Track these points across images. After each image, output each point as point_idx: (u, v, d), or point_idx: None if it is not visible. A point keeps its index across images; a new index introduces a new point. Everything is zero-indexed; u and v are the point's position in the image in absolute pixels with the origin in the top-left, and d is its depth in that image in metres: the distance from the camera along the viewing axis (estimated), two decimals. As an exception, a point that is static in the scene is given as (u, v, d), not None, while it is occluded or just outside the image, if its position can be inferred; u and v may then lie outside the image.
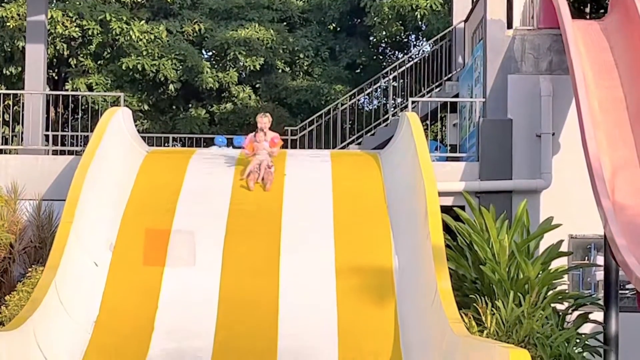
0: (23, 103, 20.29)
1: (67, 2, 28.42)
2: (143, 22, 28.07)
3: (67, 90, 26.92)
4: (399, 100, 21.85)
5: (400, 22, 27.48)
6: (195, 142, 23.87)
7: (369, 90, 22.39)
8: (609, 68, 15.93)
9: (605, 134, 14.56)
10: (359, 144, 21.14)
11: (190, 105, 29.34)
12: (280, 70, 29.29)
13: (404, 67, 22.00)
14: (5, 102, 21.36)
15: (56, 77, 28.85)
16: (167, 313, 12.77)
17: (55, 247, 12.88)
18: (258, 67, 28.20)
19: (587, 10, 19.51)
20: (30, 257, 16.06)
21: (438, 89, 21.26)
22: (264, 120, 14.50)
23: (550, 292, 14.23)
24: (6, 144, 21.64)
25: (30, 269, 14.71)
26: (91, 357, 11.86)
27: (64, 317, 12.03)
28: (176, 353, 12.13)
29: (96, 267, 13.39)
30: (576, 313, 14.66)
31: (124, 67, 27.51)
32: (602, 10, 19.64)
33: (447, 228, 14.39)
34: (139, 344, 12.12)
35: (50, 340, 11.36)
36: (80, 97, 23.80)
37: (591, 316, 14.73)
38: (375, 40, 30.14)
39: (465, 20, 20.87)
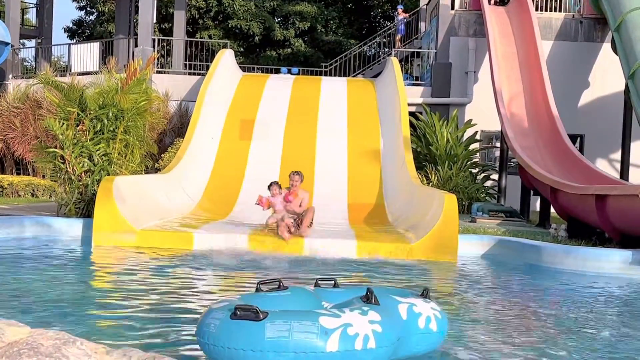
0: (172, 45, 24.12)
1: None
2: None
3: (197, 38, 30.46)
4: (386, 49, 24.43)
5: (389, 3, 32.32)
6: (269, 70, 26.07)
7: (369, 43, 25.10)
8: (508, 34, 18.73)
9: (505, 73, 17.33)
10: (363, 74, 23.62)
11: (266, 49, 34.50)
12: (318, 30, 34.35)
13: (390, 31, 24.86)
14: (161, 45, 24.04)
15: (191, 30, 32.93)
16: (252, 167, 15.48)
17: (189, 127, 15.78)
18: (306, 28, 33.95)
19: (498, 0, 21.62)
20: (175, 132, 19.01)
21: (410, 43, 24.04)
22: (296, 178, 10.74)
23: (469, 162, 17.32)
24: (162, 67, 23.42)
25: (175, 140, 17.98)
26: (208, 190, 14.52)
27: (194, 168, 14.74)
28: (257, 189, 12.61)
29: (212, 140, 16.11)
30: (483, 174, 18.00)
31: (229, 26, 33.16)
32: (506, 0, 21.56)
33: (411, 125, 16.85)
34: (236, 184, 14.82)
35: (187, 180, 14.10)
36: (204, 42, 25.41)
37: (492, 177, 18.25)
38: (373, 14, 35.21)
39: (427, 4, 23.62)
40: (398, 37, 24.27)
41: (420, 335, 4.20)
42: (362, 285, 6.58)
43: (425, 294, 4.46)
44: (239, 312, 3.65)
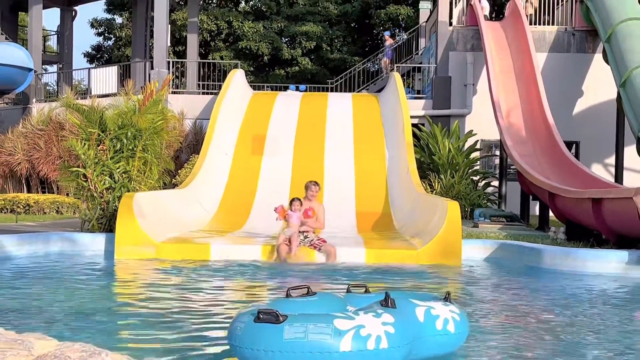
0: (186, 66, 24.31)
1: (208, 10, 33.79)
2: (250, 22, 33.78)
3: (209, 59, 30.69)
4: (389, 65, 24.03)
5: (391, 22, 32.26)
6: (278, 88, 26.26)
7: (373, 60, 25.01)
8: (504, 48, 18.78)
9: (502, 85, 17.34)
10: (367, 89, 23.71)
11: (275, 68, 34.64)
12: (324, 49, 34.40)
13: (392, 47, 24.71)
14: (176, 67, 24.40)
15: (203, 52, 33.13)
16: (264, 181, 15.47)
17: (204, 144, 15.83)
18: (312, 47, 33.95)
19: (494, 15, 21.76)
20: (190, 149, 19.02)
21: (411, 59, 24.11)
22: (315, 189, 10.47)
23: (470, 170, 17.24)
24: (177, 88, 23.83)
25: (191, 156, 18.04)
26: (223, 203, 14.53)
27: (209, 182, 14.75)
28: (270, 200, 13.00)
29: (226, 155, 16.16)
30: (484, 182, 17.92)
31: (239, 47, 33.39)
32: (501, 15, 21.58)
33: (414, 136, 16.95)
34: (249, 197, 14.84)
35: (202, 195, 14.14)
36: (216, 63, 25.56)
37: (492, 184, 18.18)
38: (376, 32, 35.03)
39: (426, 21, 23.78)
40: (387, 61, 24.28)
41: (437, 336, 4.27)
42: (394, 290, 6.55)
43: (446, 298, 4.52)
44: (261, 316, 3.82)
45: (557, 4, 21.22)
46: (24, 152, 19.99)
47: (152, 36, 24.71)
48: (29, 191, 20.60)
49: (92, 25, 39.59)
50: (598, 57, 19.60)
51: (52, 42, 38.08)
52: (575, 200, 11.71)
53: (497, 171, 18.54)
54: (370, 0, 34.64)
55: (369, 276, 8.76)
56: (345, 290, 4.84)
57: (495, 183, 18.19)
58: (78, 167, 11.86)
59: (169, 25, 23.12)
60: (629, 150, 17.73)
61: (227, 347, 4.55)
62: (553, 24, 21.04)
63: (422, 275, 8.97)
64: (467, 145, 18.04)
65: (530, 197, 15.33)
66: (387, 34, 25.99)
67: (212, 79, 23.92)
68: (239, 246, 10.36)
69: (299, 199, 10.29)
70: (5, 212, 17.20)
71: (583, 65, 20.37)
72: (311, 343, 3.70)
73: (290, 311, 3.93)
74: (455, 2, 20.99)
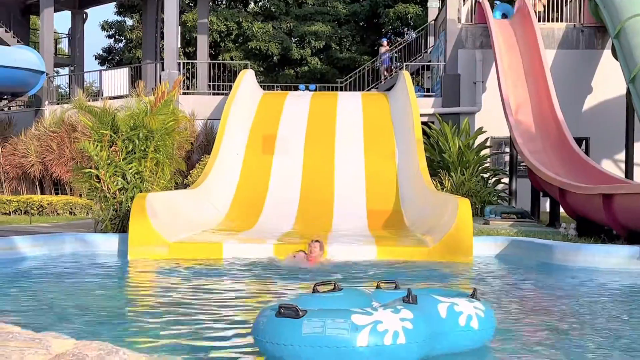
0: (196, 67, 24.17)
1: (217, 12, 33.71)
2: (259, 22, 33.77)
3: (219, 60, 30.54)
4: (398, 63, 23.97)
5: (399, 20, 32.14)
6: (288, 88, 26.43)
7: (382, 59, 24.64)
8: (513, 45, 18.61)
9: (511, 82, 17.19)
10: (377, 88, 23.49)
11: (285, 68, 34.54)
12: (333, 48, 34.24)
13: (401, 46, 24.76)
14: (186, 68, 24.36)
15: (213, 53, 32.99)
16: (275, 180, 15.49)
17: (215, 144, 15.87)
18: (321, 46, 33.75)
19: None
20: (201, 149, 18.95)
21: (420, 57, 23.86)
22: (313, 245, 9.45)
23: (480, 168, 17.17)
24: (188, 89, 23.77)
25: (202, 157, 17.91)
26: (235, 203, 14.53)
27: (221, 182, 14.75)
28: (281, 199, 14.54)
29: (237, 155, 16.14)
30: (494, 179, 17.76)
31: (249, 47, 33.24)
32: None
33: (424, 133, 16.93)
34: (261, 196, 14.83)
35: (214, 194, 14.15)
36: (226, 63, 25.31)
37: (502, 180, 18.07)
38: (384, 31, 34.76)
39: (435, 20, 23.57)
40: (383, 67, 24.23)
41: (460, 332, 4.29)
42: (428, 287, 6.56)
43: (473, 294, 4.55)
44: (282, 311, 3.91)
45: (566, 0, 21.07)
46: (37, 154, 20.08)
47: (162, 38, 24.79)
48: (42, 193, 20.68)
49: (103, 28, 39.68)
50: (607, 53, 19.51)
51: (64, 45, 38.19)
52: (585, 196, 11.66)
53: (507, 168, 18.50)
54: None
55: (378, 274, 8.71)
56: (375, 287, 4.89)
57: (506, 180, 18.12)
58: (91, 168, 11.90)
59: (179, 27, 23.09)
60: (639, 146, 17.55)
61: (242, 345, 4.58)
62: (562, 20, 20.85)
63: (433, 273, 8.94)
64: (477, 142, 17.97)
65: (541, 194, 15.26)
66: (384, 40, 26.09)
67: (222, 80, 23.90)
68: (251, 245, 10.35)
69: (319, 241, 9.75)
70: (19, 214, 17.34)
71: (592, 62, 20.25)
72: (328, 338, 3.76)
73: (316, 306, 4.00)
74: (464, 0, 20.84)
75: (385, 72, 24.07)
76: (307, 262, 9.33)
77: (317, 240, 9.73)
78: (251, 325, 4.96)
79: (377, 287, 4.86)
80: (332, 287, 4.47)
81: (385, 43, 25.34)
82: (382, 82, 23.37)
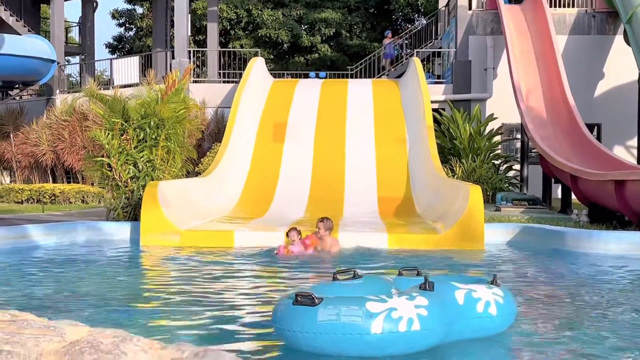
0: (206, 55, 24.33)
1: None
2: (269, 9, 33.89)
3: (229, 47, 30.98)
4: (409, 50, 24.39)
5: (410, 7, 32.30)
6: (298, 75, 26.46)
7: (393, 45, 24.90)
8: (524, 31, 18.57)
9: (523, 68, 17.15)
10: (387, 75, 23.61)
11: (295, 55, 34.68)
12: (343, 35, 34.33)
13: (411, 32, 24.92)
14: (196, 56, 24.47)
15: (223, 41, 33.34)
16: (286, 168, 15.56)
17: (226, 132, 15.91)
18: (332, 33, 33.87)
19: None
20: (212, 138, 19.14)
21: (430, 44, 23.96)
22: (319, 226, 9.07)
23: (491, 154, 17.19)
24: (198, 77, 24.01)
25: (213, 145, 18.12)
26: (246, 191, 14.60)
27: (232, 170, 14.83)
28: (292, 187, 14.64)
29: (247, 143, 16.20)
30: (505, 165, 17.90)
31: (259, 35, 33.41)
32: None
33: (435, 120, 16.97)
34: (272, 184, 14.90)
35: (225, 182, 14.22)
36: (236, 51, 25.69)
37: (514, 167, 18.21)
38: (394, 17, 34.92)
39: (446, 6, 23.43)
40: (387, 60, 24.13)
41: (478, 319, 4.28)
42: (447, 274, 6.55)
43: (493, 281, 4.53)
44: (299, 299, 3.95)
45: (577, -14, 20.94)
46: (48, 143, 20.17)
47: (172, 26, 24.76)
48: (54, 181, 20.82)
49: (113, 16, 39.73)
50: (619, 38, 19.45)
51: (74, 34, 38.17)
52: (597, 182, 11.62)
53: (519, 155, 18.45)
54: (389, -14, 34.62)
55: (388, 261, 8.67)
56: (397, 273, 4.91)
57: (517, 167, 18.10)
58: (102, 156, 11.95)
59: (189, 15, 23.08)
60: (651, 132, 17.53)
61: (258, 333, 4.59)
62: (573, 6, 20.79)
63: (443, 259, 8.89)
64: (488, 129, 17.94)
65: (552, 180, 15.21)
66: (388, 32, 26.04)
67: (232, 68, 23.97)
68: (262, 233, 10.31)
69: (296, 229, 9.33)
70: (31, 202, 17.42)
71: (604, 47, 20.14)
72: (343, 325, 3.79)
73: (336, 294, 4.05)
74: (475, -14, 20.82)
75: (388, 65, 23.97)
76: (302, 248, 9.03)
77: (324, 219, 9.24)
78: (265, 312, 5.02)
79: (399, 274, 4.88)
80: (351, 274, 4.47)
81: (389, 35, 25.28)
82: (386, 76, 23.22)
